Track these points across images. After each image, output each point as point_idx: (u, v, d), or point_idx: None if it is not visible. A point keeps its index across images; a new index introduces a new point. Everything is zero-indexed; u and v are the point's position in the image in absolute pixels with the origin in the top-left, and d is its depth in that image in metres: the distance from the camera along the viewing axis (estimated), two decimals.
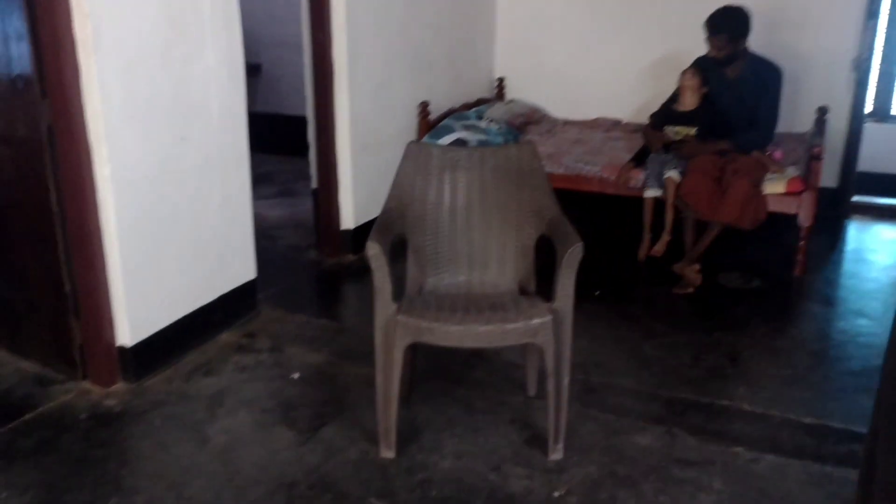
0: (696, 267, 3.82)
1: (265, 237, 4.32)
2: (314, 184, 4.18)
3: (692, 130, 4.04)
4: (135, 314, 2.82)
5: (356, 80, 3.95)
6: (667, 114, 4.14)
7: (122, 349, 2.83)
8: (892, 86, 5.07)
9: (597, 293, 3.74)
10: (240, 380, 2.90)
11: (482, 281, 2.77)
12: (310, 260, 4.19)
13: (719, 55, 3.99)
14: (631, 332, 3.35)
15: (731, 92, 4.05)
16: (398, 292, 2.44)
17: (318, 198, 4.16)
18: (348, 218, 4.11)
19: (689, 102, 4.03)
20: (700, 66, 4.10)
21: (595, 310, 3.55)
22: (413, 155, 2.78)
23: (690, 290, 3.77)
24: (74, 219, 2.67)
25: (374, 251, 2.36)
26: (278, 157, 5.87)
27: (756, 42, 4.09)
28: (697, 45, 4.09)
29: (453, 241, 2.78)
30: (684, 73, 4.03)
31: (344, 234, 4.13)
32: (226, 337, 3.22)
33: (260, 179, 5.13)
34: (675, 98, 4.13)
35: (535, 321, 2.35)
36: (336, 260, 4.12)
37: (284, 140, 5.54)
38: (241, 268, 3.36)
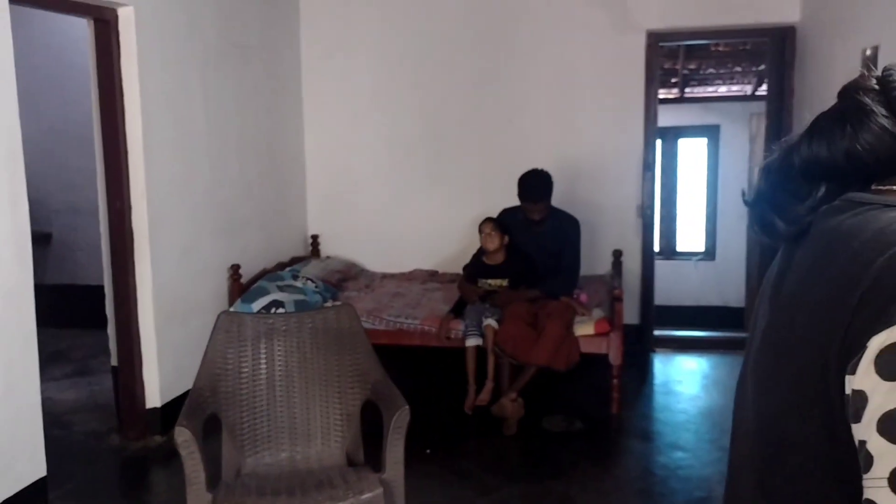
0: (513, 395, 3.85)
1: (58, 425, 3.84)
2: (114, 360, 3.82)
3: (504, 281, 4.18)
4: None
5: (159, 246, 3.75)
6: (478, 266, 4.28)
7: None
8: (674, 227, 5.63)
9: (428, 451, 3.63)
10: None
11: (307, 456, 2.59)
12: (112, 446, 3.74)
13: (539, 217, 4.23)
14: (464, 490, 3.25)
15: (537, 243, 4.29)
16: (214, 478, 2.21)
17: (118, 375, 3.80)
18: (154, 395, 3.77)
19: (495, 257, 4.19)
20: (507, 217, 4.32)
21: (427, 470, 3.43)
22: (224, 326, 2.62)
23: (513, 428, 3.79)
24: None
25: (183, 437, 2.15)
26: (73, 331, 5.36)
27: (560, 196, 4.41)
28: (504, 196, 4.34)
29: (273, 416, 2.60)
30: (482, 231, 4.18)
31: (150, 414, 3.76)
32: None
33: (51, 358, 4.65)
34: (483, 250, 4.29)
35: (365, 496, 2.21)
36: (142, 443, 3.72)
37: (79, 313, 5.11)
38: (29, 466, 2.93)
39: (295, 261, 5.03)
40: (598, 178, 5.11)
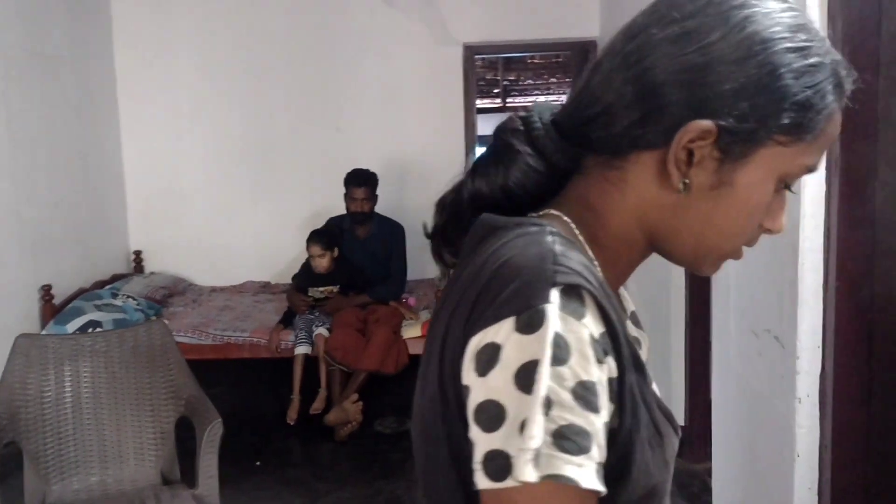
0: (354, 398, 3.89)
1: None
2: None
3: (334, 288, 4.24)
4: None
5: None
6: (307, 276, 4.30)
7: None
8: None
9: (258, 463, 3.61)
10: None
11: (119, 478, 2.52)
12: None
13: (363, 208, 4.30)
14: (294, 498, 3.27)
15: (364, 250, 4.38)
16: None
17: None
18: None
19: (323, 268, 4.23)
20: (333, 225, 4.40)
21: (257, 481, 3.42)
22: (23, 349, 2.51)
23: (354, 424, 3.82)
24: None
25: None
26: None
27: (387, 203, 4.51)
28: (334, 204, 4.41)
29: (81, 440, 2.51)
30: (311, 253, 4.23)
31: None
32: None
33: None
34: (311, 260, 4.32)
35: None
36: None
37: None
38: None
39: (116, 278, 4.82)
40: (424, 184, 5.25)
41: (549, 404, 0.59)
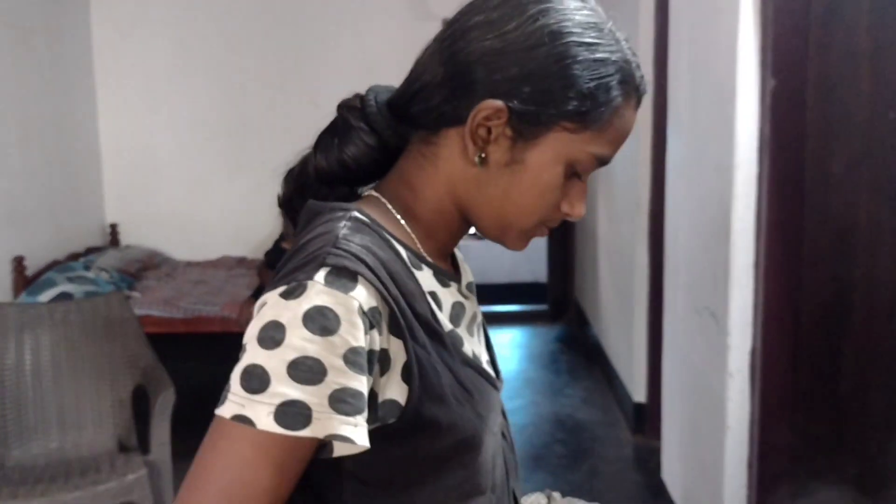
0: None
1: None
2: None
3: None
4: None
5: None
6: (278, 252, 4.34)
7: None
8: None
9: None
10: None
11: (77, 444, 2.58)
12: None
13: None
14: None
15: None
16: None
17: None
18: None
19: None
20: None
21: None
22: None
23: None
24: None
25: None
26: None
27: None
28: None
29: (40, 406, 2.57)
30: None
31: None
32: None
33: None
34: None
35: (129, 478, 2.25)
36: None
37: None
38: None
39: (91, 251, 4.85)
40: None
41: (322, 371, 0.64)
